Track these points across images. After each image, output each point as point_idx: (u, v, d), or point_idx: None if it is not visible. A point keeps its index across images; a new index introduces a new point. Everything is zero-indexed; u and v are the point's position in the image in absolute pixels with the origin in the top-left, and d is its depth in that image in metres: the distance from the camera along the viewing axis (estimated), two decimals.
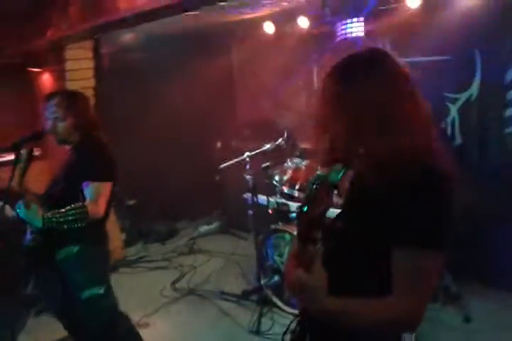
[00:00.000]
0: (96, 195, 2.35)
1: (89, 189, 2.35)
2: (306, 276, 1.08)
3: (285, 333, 1.43)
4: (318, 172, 1.23)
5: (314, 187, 1.14)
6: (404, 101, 1.16)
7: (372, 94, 1.15)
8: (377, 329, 1.14)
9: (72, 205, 2.27)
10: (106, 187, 2.41)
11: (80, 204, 2.29)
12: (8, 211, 3.88)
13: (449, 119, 3.85)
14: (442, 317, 3.26)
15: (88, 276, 2.49)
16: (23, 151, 2.30)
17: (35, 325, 3.59)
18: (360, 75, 1.18)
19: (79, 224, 2.27)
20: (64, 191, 2.44)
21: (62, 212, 2.25)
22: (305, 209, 1.11)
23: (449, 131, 3.86)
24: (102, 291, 2.49)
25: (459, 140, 3.82)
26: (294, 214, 3.91)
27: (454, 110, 3.80)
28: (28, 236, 2.54)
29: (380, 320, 1.10)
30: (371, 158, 1.13)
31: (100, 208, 2.35)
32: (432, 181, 1.09)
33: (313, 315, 1.11)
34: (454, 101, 3.79)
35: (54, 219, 2.23)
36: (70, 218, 2.25)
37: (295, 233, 3.40)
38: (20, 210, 2.26)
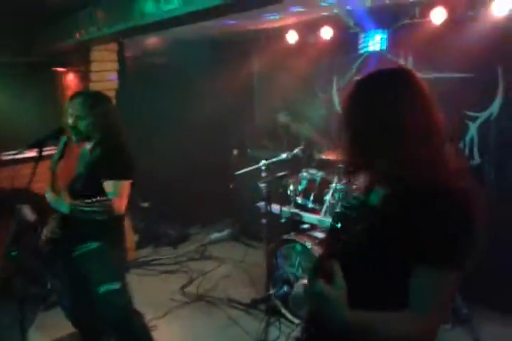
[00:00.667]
0: (120, 191, 2.42)
1: (112, 186, 2.42)
2: (329, 287, 1.09)
3: None
4: (355, 194, 1.24)
5: (351, 205, 1.14)
6: (423, 116, 1.17)
7: (393, 108, 1.17)
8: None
9: (99, 197, 2.34)
10: (127, 185, 2.48)
11: (106, 198, 2.37)
12: (28, 213, 3.98)
13: (467, 138, 3.82)
14: (451, 338, 3.23)
15: (105, 272, 2.55)
16: (61, 139, 2.41)
17: (44, 320, 3.64)
18: (381, 91, 1.20)
19: (103, 217, 2.34)
20: (86, 187, 2.51)
21: (89, 202, 2.33)
22: (338, 225, 1.11)
23: (467, 150, 3.84)
24: (117, 287, 2.55)
25: (477, 159, 3.79)
26: (306, 225, 3.91)
27: (473, 129, 3.78)
28: (47, 232, 2.61)
29: (398, 335, 1.11)
30: (392, 173, 1.15)
31: (123, 204, 2.43)
32: (453, 200, 1.10)
33: (330, 326, 1.11)
34: (474, 119, 3.77)
35: (81, 207, 2.32)
36: (96, 209, 2.33)
37: (307, 244, 3.42)
38: (49, 195, 2.36)
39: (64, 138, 2.48)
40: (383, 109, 1.17)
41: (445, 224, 1.09)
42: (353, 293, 1.10)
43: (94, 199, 2.35)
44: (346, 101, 1.27)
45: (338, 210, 1.22)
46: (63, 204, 2.38)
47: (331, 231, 1.14)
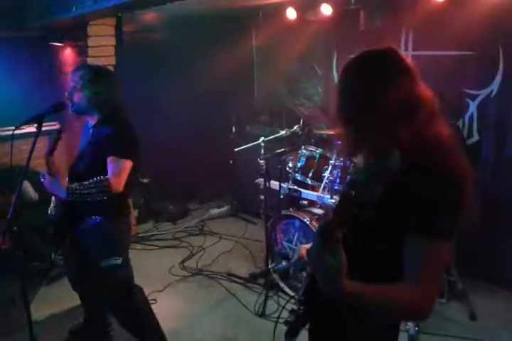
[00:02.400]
0: (119, 170, 2.42)
1: (113, 164, 2.42)
2: (330, 258, 1.11)
3: (278, 317, 1.48)
4: (372, 160, 1.25)
5: (366, 172, 1.15)
6: (410, 95, 1.20)
7: (382, 86, 1.20)
8: (392, 314, 1.18)
9: (96, 178, 2.34)
10: (128, 164, 2.47)
11: (104, 177, 2.37)
12: (29, 189, 3.99)
13: (467, 116, 3.83)
14: (447, 312, 3.31)
15: (107, 246, 2.58)
16: (55, 131, 2.40)
17: (47, 294, 3.71)
18: (372, 69, 1.24)
19: (101, 197, 2.35)
20: (89, 166, 2.52)
21: (86, 184, 2.34)
22: (353, 193, 1.12)
23: (466, 128, 3.85)
24: (119, 262, 2.59)
25: (476, 137, 3.80)
26: (305, 201, 3.95)
27: (472, 107, 3.78)
28: (50, 210, 2.63)
29: (396, 306, 1.14)
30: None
31: (121, 183, 2.42)
32: (444, 174, 1.14)
33: (328, 296, 1.13)
34: (474, 97, 3.76)
35: (78, 191, 2.32)
36: (94, 190, 2.33)
37: (305, 220, 3.45)
38: (45, 180, 2.36)
39: (55, 135, 2.46)
40: (368, 90, 1.21)
41: (437, 196, 1.13)
42: (352, 264, 1.12)
43: (91, 180, 2.34)
44: (338, 82, 1.33)
45: (353, 177, 1.23)
46: (60, 189, 2.36)
47: (344, 198, 1.15)
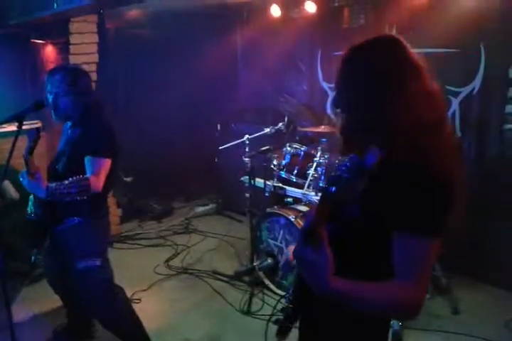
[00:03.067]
0: (98, 169, 2.39)
1: (91, 163, 2.39)
2: (315, 255, 1.10)
3: (272, 315, 1.47)
4: (351, 156, 1.25)
5: (346, 169, 1.13)
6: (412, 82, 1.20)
7: (381, 73, 1.21)
8: (382, 311, 1.16)
9: (75, 177, 2.30)
10: (107, 163, 2.44)
11: (83, 176, 2.33)
12: (10, 189, 3.93)
13: (449, 113, 3.86)
14: (431, 307, 3.33)
15: (85, 247, 2.55)
16: (33, 130, 2.35)
17: (28, 294, 3.66)
18: (373, 56, 1.24)
19: (81, 197, 2.31)
20: (67, 165, 2.49)
21: (66, 184, 2.29)
22: (333, 189, 1.11)
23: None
24: (98, 263, 2.56)
25: (458, 133, 3.84)
26: (289, 199, 3.95)
27: (455, 103, 3.81)
28: (30, 210, 2.59)
29: (386, 304, 1.12)
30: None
31: (101, 182, 2.39)
32: (431, 171, 1.14)
33: (316, 294, 1.13)
34: (456, 94, 3.79)
35: (58, 191, 2.28)
36: (73, 190, 2.29)
37: (290, 217, 3.46)
38: (25, 180, 2.32)
39: (34, 135, 2.37)
40: (365, 79, 1.22)
41: (422, 193, 1.12)
42: (339, 261, 1.11)
43: (70, 179, 2.30)
44: (337, 71, 1.31)
45: (333, 174, 1.22)
46: (39, 188, 2.30)
47: (324, 196, 1.13)
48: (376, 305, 1.12)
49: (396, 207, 1.14)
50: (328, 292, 1.10)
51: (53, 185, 2.29)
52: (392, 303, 1.12)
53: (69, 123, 2.59)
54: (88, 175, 2.36)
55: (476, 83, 3.67)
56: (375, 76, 1.21)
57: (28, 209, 2.64)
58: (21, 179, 2.36)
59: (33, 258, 3.48)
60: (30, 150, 2.36)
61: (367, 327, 1.34)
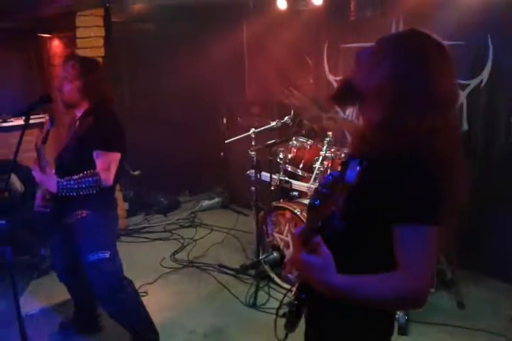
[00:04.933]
0: (108, 163, 2.40)
1: (101, 157, 2.40)
2: (313, 258, 1.11)
3: (279, 308, 1.48)
4: (330, 173, 1.28)
5: (325, 184, 1.16)
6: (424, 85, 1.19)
7: (390, 75, 1.19)
8: (387, 304, 1.16)
9: (86, 172, 2.31)
10: (117, 156, 2.46)
11: (93, 171, 2.34)
12: (17, 182, 3.95)
13: (456, 105, 3.83)
14: (436, 301, 3.33)
15: (95, 240, 2.57)
16: (47, 119, 2.36)
17: (37, 288, 3.69)
18: (382, 57, 1.23)
19: (91, 191, 2.33)
20: (76, 159, 2.50)
21: (76, 178, 2.31)
22: (317, 203, 1.13)
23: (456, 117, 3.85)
24: (107, 256, 2.57)
25: (465, 126, 3.81)
26: (295, 193, 3.95)
27: (463, 96, 3.78)
28: (38, 202, 2.60)
29: (392, 295, 1.12)
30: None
31: (111, 176, 2.41)
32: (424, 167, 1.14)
33: (322, 294, 1.14)
34: (464, 87, 3.76)
35: (68, 186, 2.30)
36: (84, 185, 2.31)
37: (296, 211, 3.45)
38: (36, 174, 2.33)
39: (49, 125, 2.39)
40: (382, 76, 1.21)
41: (413, 182, 1.13)
42: (340, 262, 1.12)
43: (81, 174, 2.31)
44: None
45: (317, 187, 1.24)
46: (50, 183, 2.32)
47: (310, 208, 1.16)
48: (381, 298, 1.13)
49: (390, 199, 1.14)
50: (334, 290, 1.11)
51: (63, 180, 2.30)
52: (397, 294, 1.12)
53: (77, 115, 2.60)
54: (98, 169, 2.37)
55: (484, 75, 3.64)
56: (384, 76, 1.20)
57: (38, 202, 2.66)
58: (34, 174, 2.38)
59: (42, 250, 3.51)
60: (44, 140, 2.38)
61: (372, 321, 1.34)
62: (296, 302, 1.38)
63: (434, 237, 1.14)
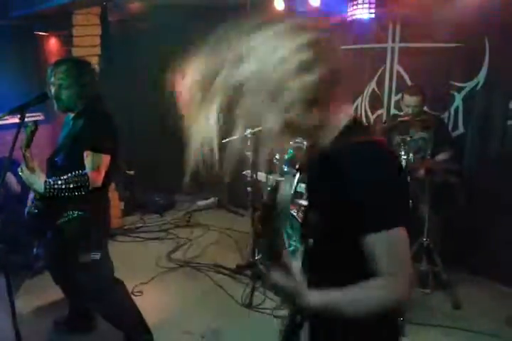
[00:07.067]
0: (97, 164, 2.37)
1: (90, 159, 2.38)
2: (283, 280, 1.12)
3: (273, 309, 1.47)
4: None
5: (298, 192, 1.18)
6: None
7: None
8: (372, 311, 1.13)
9: (74, 173, 2.30)
10: (106, 159, 2.43)
11: (82, 172, 2.33)
12: (13, 181, 3.93)
13: (453, 108, 3.84)
14: (432, 302, 3.34)
15: (85, 241, 2.54)
16: (31, 123, 2.33)
17: (31, 287, 3.67)
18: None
19: (79, 192, 2.31)
20: (67, 158, 2.48)
21: (64, 179, 2.29)
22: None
23: (452, 121, 3.86)
24: (98, 257, 2.55)
25: (461, 129, 3.82)
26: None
27: (458, 99, 3.80)
28: (30, 203, 2.59)
29: (375, 303, 1.11)
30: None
31: (100, 177, 2.38)
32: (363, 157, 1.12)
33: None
34: (460, 89, 3.77)
35: (56, 186, 2.28)
36: (72, 185, 2.29)
37: (292, 211, 3.43)
38: (23, 174, 2.31)
39: (31, 127, 2.35)
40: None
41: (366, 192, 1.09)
42: (316, 274, 1.12)
43: (69, 175, 2.29)
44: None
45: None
46: (37, 183, 2.31)
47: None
48: (366, 306, 1.12)
49: (349, 213, 1.10)
50: (312, 308, 1.12)
51: (51, 180, 2.29)
52: (382, 301, 1.11)
53: (70, 116, 2.58)
54: (87, 170, 2.35)
55: (480, 78, 3.65)
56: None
57: (29, 202, 2.64)
58: (20, 173, 2.36)
59: (35, 250, 3.49)
60: (27, 143, 2.35)
61: (378, 326, 1.31)
62: (291, 325, 1.36)
63: (403, 237, 1.11)
